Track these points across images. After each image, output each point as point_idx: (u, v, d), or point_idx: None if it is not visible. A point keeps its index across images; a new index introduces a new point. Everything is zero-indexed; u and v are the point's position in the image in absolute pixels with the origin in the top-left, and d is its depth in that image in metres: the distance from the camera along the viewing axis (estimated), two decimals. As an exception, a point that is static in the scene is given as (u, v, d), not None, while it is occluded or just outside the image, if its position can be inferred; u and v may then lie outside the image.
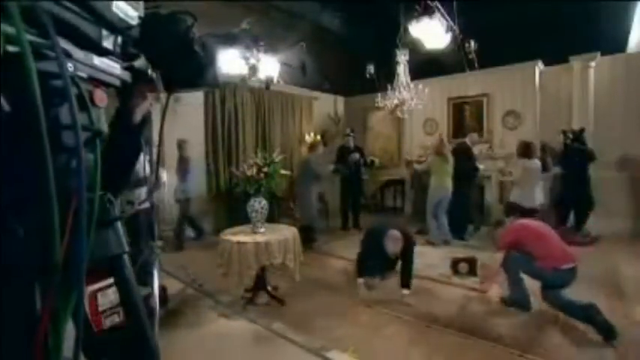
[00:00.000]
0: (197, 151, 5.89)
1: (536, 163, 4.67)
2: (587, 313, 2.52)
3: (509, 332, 2.62)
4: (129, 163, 0.75)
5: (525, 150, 4.64)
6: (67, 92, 0.51)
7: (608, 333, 2.43)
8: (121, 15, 0.62)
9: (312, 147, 5.32)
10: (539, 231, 2.91)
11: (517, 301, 2.97)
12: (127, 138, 0.73)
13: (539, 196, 4.69)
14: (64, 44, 0.54)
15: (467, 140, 5.57)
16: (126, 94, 0.72)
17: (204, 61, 0.74)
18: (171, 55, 0.71)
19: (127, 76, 0.70)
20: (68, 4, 0.54)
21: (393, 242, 3.18)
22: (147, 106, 0.74)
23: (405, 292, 3.18)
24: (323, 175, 5.17)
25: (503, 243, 2.98)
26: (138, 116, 0.74)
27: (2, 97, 0.47)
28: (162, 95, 0.79)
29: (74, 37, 0.56)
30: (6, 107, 0.47)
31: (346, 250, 4.90)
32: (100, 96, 0.61)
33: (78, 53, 0.58)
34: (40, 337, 0.50)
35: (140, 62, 0.71)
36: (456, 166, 5.18)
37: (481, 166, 5.57)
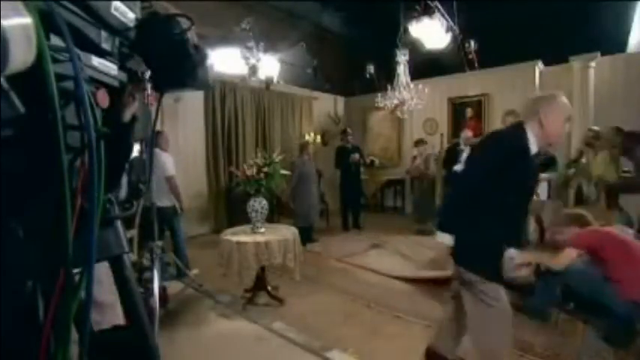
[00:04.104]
0: (197, 151, 5.91)
1: None
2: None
3: (509, 332, 2.61)
4: (120, 163, 0.75)
5: None
6: (82, 96, 0.51)
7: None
8: (120, 16, 0.63)
9: (301, 149, 5.33)
10: (631, 247, 2.14)
11: (540, 308, 2.63)
12: (117, 138, 0.73)
13: None
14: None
15: (460, 140, 5.32)
16: (116, 93, 0.73)
17: (195, 63, 0.75)
18: (163, 56, 0.71)
19: (123, 77, 0.70)
20: (70, 6, 0.54)
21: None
22: (136, 106, 0.74)
23: None
24: (310, 177, 5.15)
25: (579, 241, 2.27)
26: (127, 115, 0.74)
27: (16, 99, 0.46)
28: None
29: (76, 38, 0.57)
30: (21, 109, 0.47)
31: (346, 249, 4.92)
32: (103, 97, 0.61)
33: (80, 55, 0.59)
34: (44, 343, 0.50)
35: (131, 62, 0.72)
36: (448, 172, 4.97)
37: None
